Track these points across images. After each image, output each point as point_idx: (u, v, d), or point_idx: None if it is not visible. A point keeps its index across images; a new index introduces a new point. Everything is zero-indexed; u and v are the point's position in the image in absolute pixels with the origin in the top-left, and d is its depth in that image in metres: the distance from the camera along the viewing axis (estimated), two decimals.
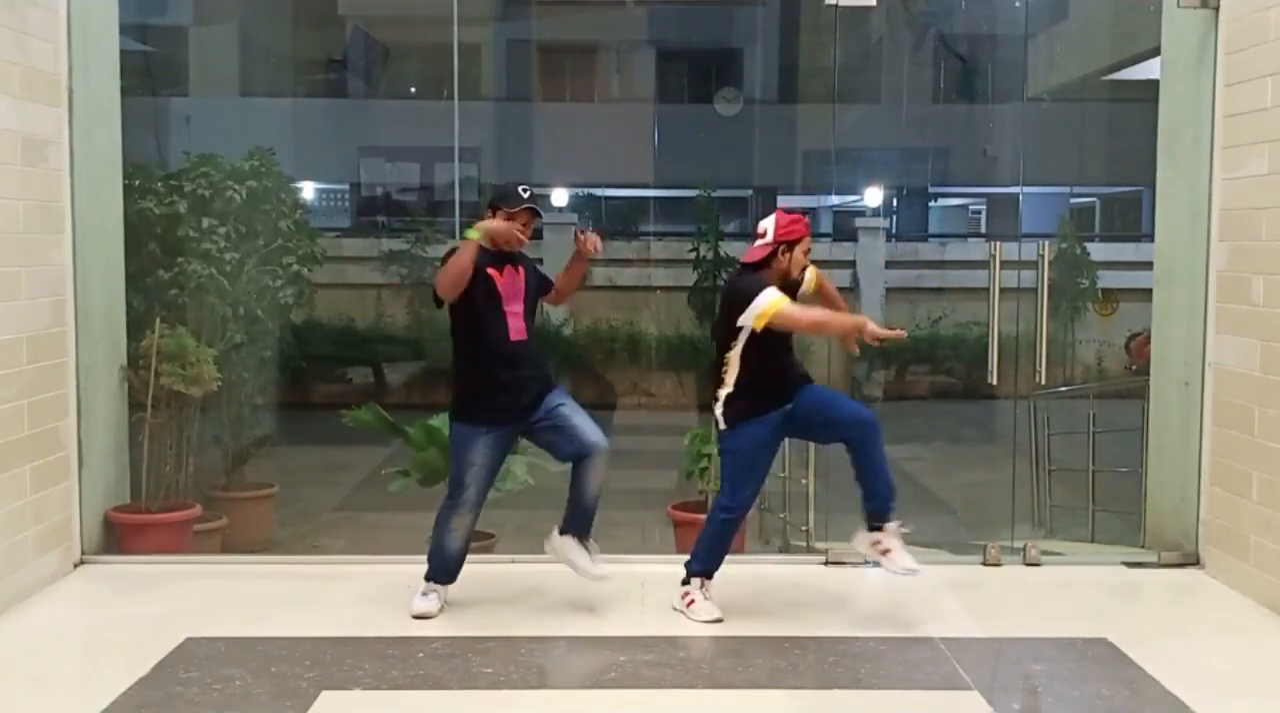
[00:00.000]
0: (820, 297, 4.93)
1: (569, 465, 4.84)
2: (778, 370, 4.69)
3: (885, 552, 4.71)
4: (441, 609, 4.83)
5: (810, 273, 4.87)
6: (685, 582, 4.85)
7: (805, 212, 6.16)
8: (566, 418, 4.78)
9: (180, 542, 6.05)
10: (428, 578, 4.86)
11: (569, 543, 4.87)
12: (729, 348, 4.68)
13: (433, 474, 6.24)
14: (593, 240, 4.88)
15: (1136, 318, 11.86)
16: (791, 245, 4.69)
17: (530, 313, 4.84)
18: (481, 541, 6.39)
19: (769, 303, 4.54)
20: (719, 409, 4.73)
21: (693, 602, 4.80)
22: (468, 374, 4.74)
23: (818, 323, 4.75)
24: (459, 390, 4.79)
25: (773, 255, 4.69)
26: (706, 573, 4.84)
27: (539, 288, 4.94)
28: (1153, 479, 5.97)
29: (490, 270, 4.70)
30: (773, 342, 4.63)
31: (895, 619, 4.84)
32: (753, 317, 4.56)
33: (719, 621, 4.73)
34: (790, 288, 4.73)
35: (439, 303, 4.73)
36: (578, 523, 4.88)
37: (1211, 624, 4.97)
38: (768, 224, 4.72)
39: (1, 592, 4.84)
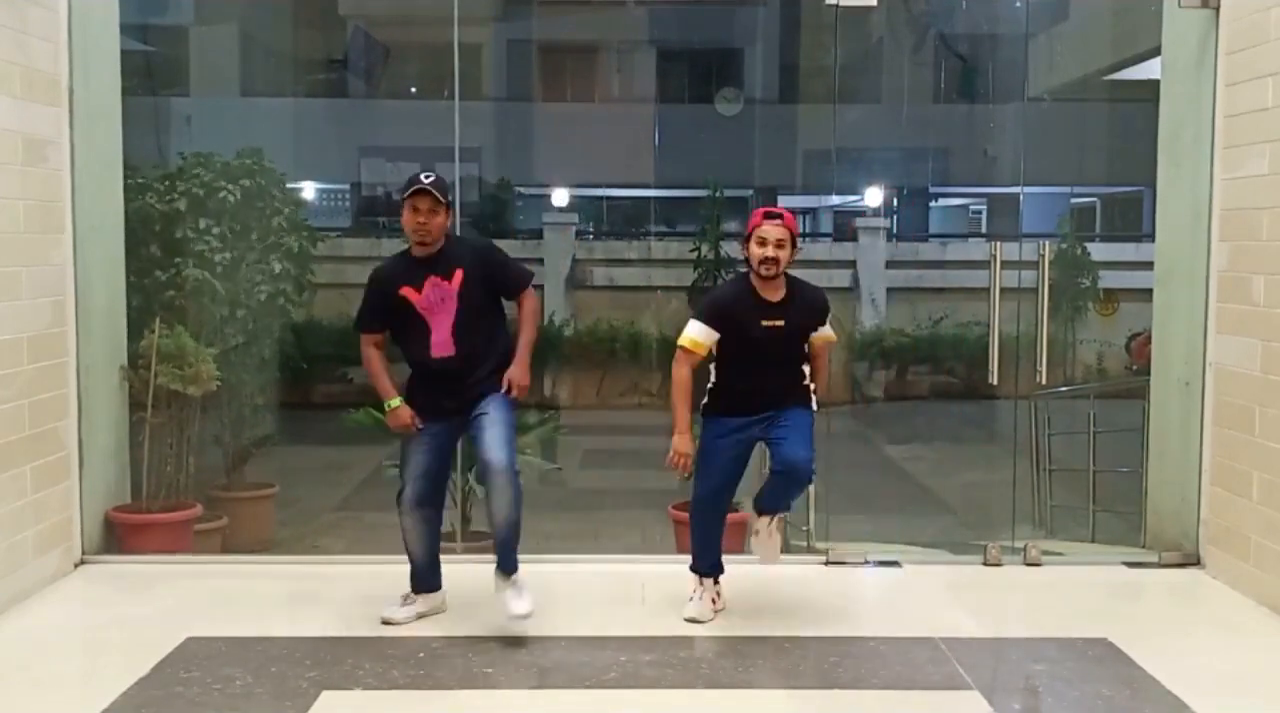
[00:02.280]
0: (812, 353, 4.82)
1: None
2: (740, 389, 4.69)
3: (756, 534, 4.87)
4: (418, 617, 4.74)
5: (824, 332, 4.79)
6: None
7: (804, 211, 6.12)
8: (481, 430, 4.49)
9: (180, 542, 6.05)
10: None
11: (497, 580, 4.60)
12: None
13: None
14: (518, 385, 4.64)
15: (1137, 318, 11.85)
16: (746, 241, 4.64)
17: (470, 316, 4.53)
18: (482, 541, 6.39)
19: (682, 337, 4.67)
20: (704, 400, 4.79)
21: (690, 598, 4.84)
22: (410, 382, 4.67)
23: (673, 384, 4.68)
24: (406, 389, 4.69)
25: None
26: (698, 570, 4.87)
27: (495, 285, 4.62)
28: (1153, 479, 5.97)
29: (405, 290, 4.53)
30: (731, 363, 4.68)
31: (895, 619, 4.84)
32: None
33: (696, 622, 4.73)
34: (765, 308, 4.63)
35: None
36: (498, 557, 4.59)
37: (1212, 624, 4.97)
38: None
39: (1, 592, 4.84)
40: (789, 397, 4.69)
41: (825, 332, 4.79)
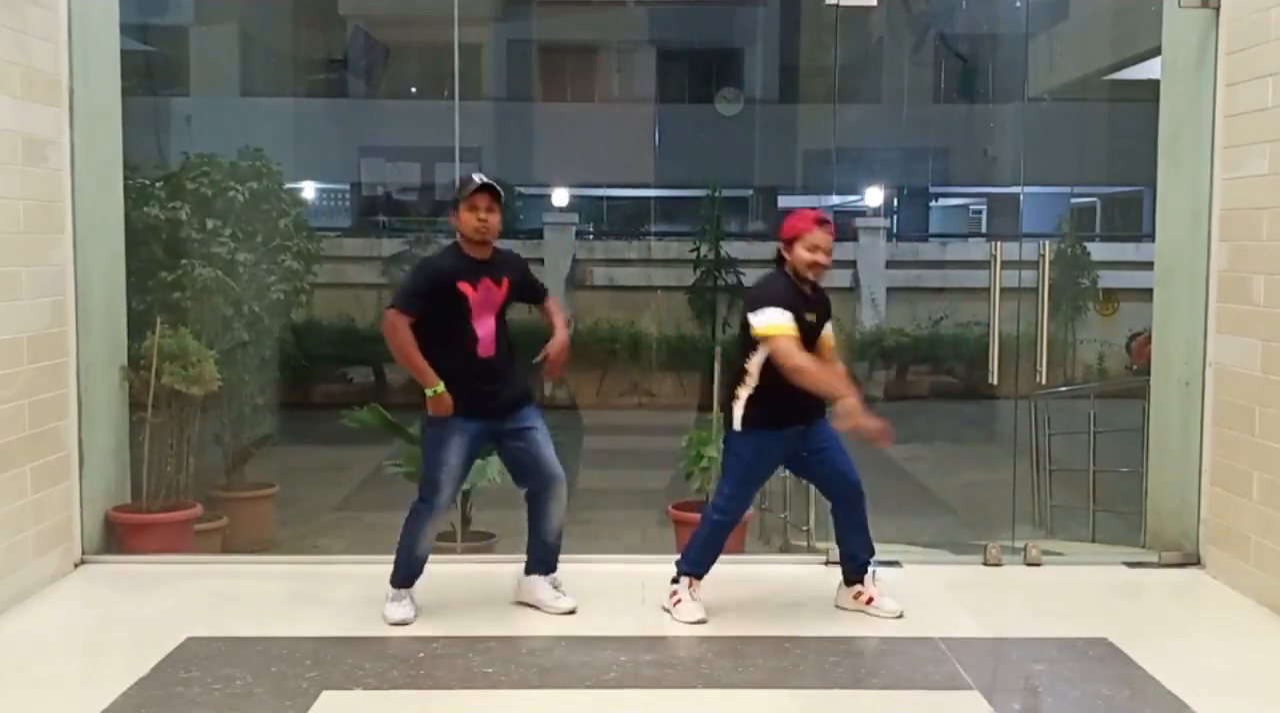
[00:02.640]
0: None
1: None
2: (788, 394, 4.53)
3: (869, 600, 4.82)
4: (417, 614, 4.77)
5: (830, 331, 4.75)
6: (674, 580, 4.85)
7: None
8: (537, 445, 4.71)
9: (180, 542, 6.05)
10: (397, 584, 4.76)
11: (538, 583, 4.86)
12: (748, 356, 4.61)
13: None
14: (555, 362, 4.82)
15: (1137, 318, 11.86)
16: (790, 243, 4.59)
17: (504, 323, 4.69)
18: (482, 541, 6.40)
19: (767, 327, 4.48)
20: (738, 409, 4.64)
21: (679, 601, 4.80)
22: (444, 368, 4.58)
23: (800, 371, 4.44)
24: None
25: (781, 256, 4.64)
26: (696, 574, 4.83)
27: (526, 296, 4.84)
28: (1153, 479, 5.97)
29: (463, 286, 4.56)
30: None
31: (895, 619, 4.83)
32: (755, 328, 4.52)
33: (703, 622, 4.72)
34: (808, 301, 4.60)
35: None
36: (544, 560, 4.87)
37: (1212, 624, 4.97)
38: None
39: (1, 592, 4.84)
40: (822, 403, 4.62)
41: (830, 331, 4.78)
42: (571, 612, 4.80)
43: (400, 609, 4.73)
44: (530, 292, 4.87)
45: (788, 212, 4.74)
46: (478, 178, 4.58)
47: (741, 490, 4.78)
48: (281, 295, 7.24)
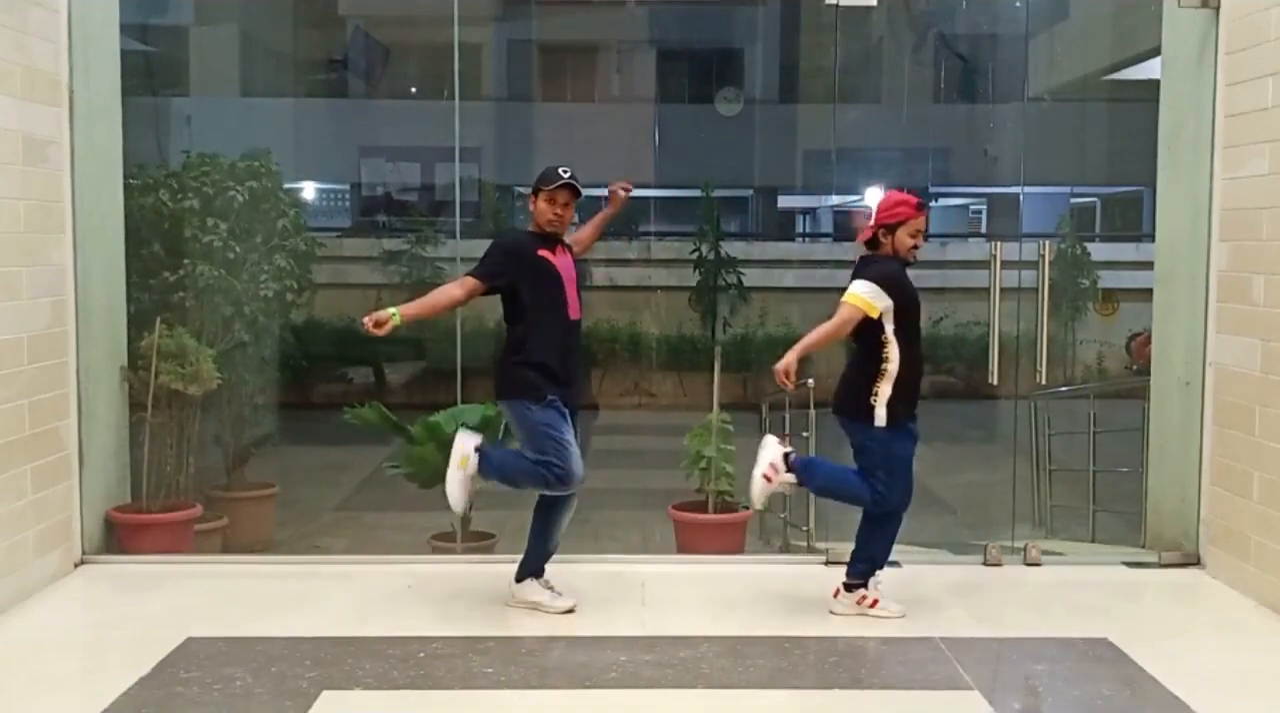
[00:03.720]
0: None
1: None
2: (917, 379, 4.70)
3: (873, 604, 4.81)
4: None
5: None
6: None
7: (804, 212, 6.11)
8: (577, 437, 4.79)
9: (180, 542, 6.05)
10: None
11: (531, 586, 4.89)
12: (882, 346, 4.62)
13: (429, 470, 6.23)
14: (625, 184, 5.04)
15: (1137, 318, 11.84)
16: (892, 228, 4.67)
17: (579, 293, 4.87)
18: (481, 541, 6.40)
19: (855, 297, 4.59)
20: (881, 408, 4.63)
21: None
22: (539, 353, 4.65)
23: (816, 333, 4.66)
24: (527, 371, 4.66)
25: (875, 238, 4.68)
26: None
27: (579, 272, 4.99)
28: (1153, 479, 5.97)
29: (542, 252, 4.73)
30: (911, 346, 4.65)
31: (895, 619, 4.83)
32: (846, 294, 4.59)
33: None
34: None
35: (491, 291, 4.70)
36: (540, 564, 4.91)
37: (1212, 624, 4.97)
38: (874, 205, 4.71)
39: (2, 592, 4.84)
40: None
41: None
42: (571, 610, 4.82)
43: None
44: (578, 265, 4.99)
45: (886, 194, 4.75)
46: (563, 173, 4.74)
47: (899, 478, 4.73)
48: (271, 292, 7.21)
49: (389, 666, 4.29)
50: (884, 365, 4.62)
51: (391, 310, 4.55)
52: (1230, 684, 4.22)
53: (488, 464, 4.70)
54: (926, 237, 4.75)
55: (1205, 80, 5.51)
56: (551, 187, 4.73)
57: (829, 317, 4.68)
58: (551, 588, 4.91)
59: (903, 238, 4.68)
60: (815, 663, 4.39)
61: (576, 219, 5.07)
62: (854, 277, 4.68)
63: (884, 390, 4.62)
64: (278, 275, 7.27)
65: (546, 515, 4.86)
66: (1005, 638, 4.74)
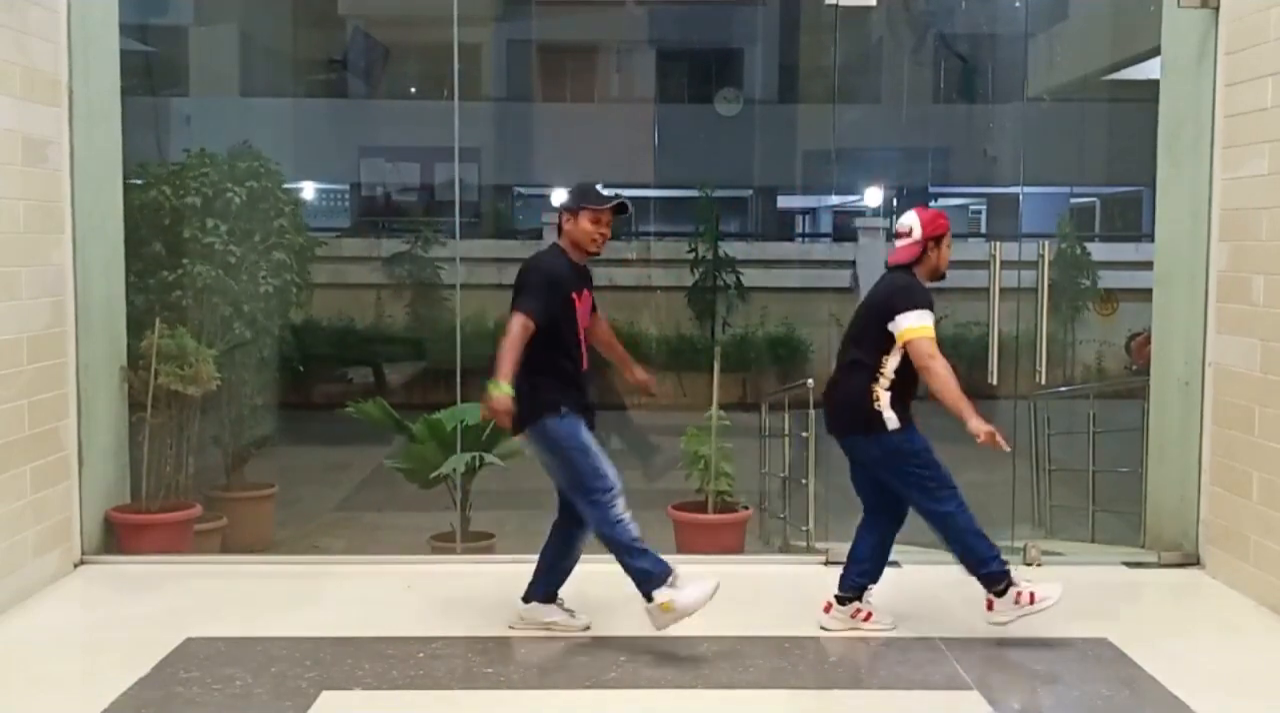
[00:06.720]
0: None
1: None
2: (913, 391, 4.60)
3: (867, 617, 4.72)
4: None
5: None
6: (1002, 592, 4.56)
7: (804, 212, 6.12)
8: None
9: (180, 542, 6.05)
10: (667, 579, 4.44)
11: (546, 608, 4.69)
12: (884, 356, 4.53)
13: (428, 468, 6.24)
14: (648, 385, 4.94)
15: (1136, 318, 11.83)
16: (939, 240, 4.63)
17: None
18: (481, 541, 6.40)
19: (919, 328, 4.44)
20: (887, 411, 4.53)
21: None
22: (554, 371, 4.48)
23: (931, 371, 4.43)
24: (550, 389, 4.48)
25: (923, 253, 4.61)
26: (1004, 570, 4.59)
27: (591, 311, 4.73)
28: (1153, 479, 5.97)
29: (574, 295, 4.51)
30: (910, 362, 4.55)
31: (895, 619, 4.83)
32: (900, 330, 4.46)
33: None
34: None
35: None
36: (556, 586, 4.72)
37: (1211, 624, 4.97)
38: (911, 222, 4.59)
39: (1, 592, 4.84)
40: None
41: None
42: (588, 628, 4.68)
43: (698, 587, 4.43)
44: (593, 309, 4.76)
45: (918, 210, 4.66)
46: (612, 194, 4.57)
47: (941, 479, 4.59)
48: (271, 289, 7.21)
49: (389, 666, 4.29)
50: (879, 371, 4.55)
51: (504, 388, 4.30)
52: (1230, 684, 4.22)
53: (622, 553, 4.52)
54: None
55: (1205, 80, 5.52)
56: (602, 207, 4.49)
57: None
58: (565, 607, 4.74)
59: (945, 251, 4.66)
60: (815, 663, 4.39)
61: None
62: (895, 303, 4.51)
63: (883, 394, 4.55)
64: (276, 270, 7.27)
65: (562, 536, 4.68)
66: (1005, 638, 4.74)
